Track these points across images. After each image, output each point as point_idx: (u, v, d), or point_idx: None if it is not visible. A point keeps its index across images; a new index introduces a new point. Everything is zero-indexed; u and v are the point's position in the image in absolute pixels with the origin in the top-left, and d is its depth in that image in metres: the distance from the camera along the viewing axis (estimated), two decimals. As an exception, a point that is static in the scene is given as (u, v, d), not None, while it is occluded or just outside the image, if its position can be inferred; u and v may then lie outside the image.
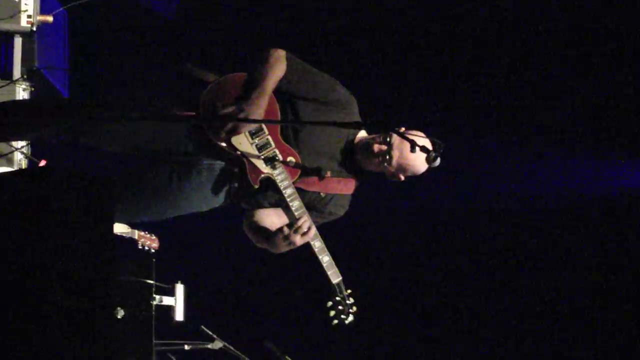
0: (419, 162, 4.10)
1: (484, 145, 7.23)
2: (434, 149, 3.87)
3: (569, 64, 7.16)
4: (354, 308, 4.06)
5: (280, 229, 4.02)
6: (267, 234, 4.14)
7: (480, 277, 7.45)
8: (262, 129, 4.07)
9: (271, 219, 4.19)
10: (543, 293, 7.44)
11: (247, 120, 3.95)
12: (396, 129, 3.94)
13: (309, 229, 3.97)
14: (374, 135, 4.17)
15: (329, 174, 4.10)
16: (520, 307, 7.49)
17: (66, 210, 2.85)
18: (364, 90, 4.29)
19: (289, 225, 3.99)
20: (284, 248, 4.07)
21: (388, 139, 4.09)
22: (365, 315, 4.11)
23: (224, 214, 4.65)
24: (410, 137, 3.83)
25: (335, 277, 4.05)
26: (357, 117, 4.15)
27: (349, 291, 4.05)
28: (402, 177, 4.18)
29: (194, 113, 4.07)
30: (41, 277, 2.74)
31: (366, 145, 4.16)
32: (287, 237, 3.98)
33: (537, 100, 7.21)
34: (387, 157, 4.10)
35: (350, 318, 4.05)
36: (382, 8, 7.26)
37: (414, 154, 3.90)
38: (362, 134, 4.24)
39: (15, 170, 5.20)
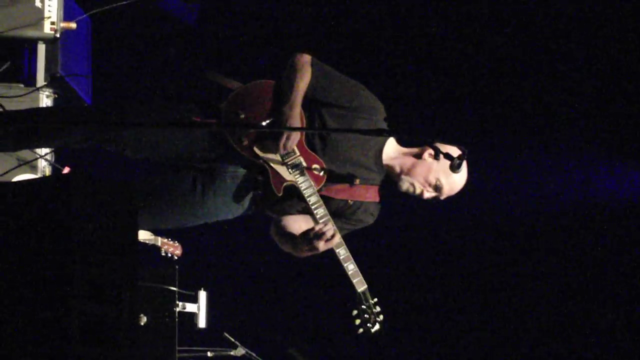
0: (462, 185, 4.17)
1: (499, 150, 7.21)
2: (459, 156, 3.88)
3: (584, 64, 7.12)
4: (381, 317, 4.02)
5: (304, 233, 4.00)
6: (292, 238, 4.13)
7: (506, 284, 7.41)
8: None
9: (299, 224, 4.16)
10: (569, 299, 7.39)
11: (287, 129, 3.96)
12: (429, 141, 3.93)
13: (333, 235, 3.95)
14: (419, 177, 4.14)
15: (357, 181, 4.10)
16: (550, 315, 7.44)
17: (90, 218, 2.85)
18: (385, 94, 4.27)
19: (313, 231, 3.97)
20: (306, 253, 4.04)
21: (436, 183, 4.10)
22: (392, 323, 4.08)
23: (247, 221, 4.63)
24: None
25: (360, 285, 4.01)
26: (383, 123, 4.13)
27: (375, 299, 4.02)
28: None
29: (214, 121, 4.07)
30: (65, 284, 2.74)
31: (412, 187, 4.14)
32: (310, 242, 3.96)
33: (553, 104, 7.17)
34: (437, 200, 4.16)
35: (377, 327, 4.01)
36: (403, 12, 7.25)
37: (458, 186, 4.11)
38: (392, 143, 4.21)
39: (39, 178, 5.21)
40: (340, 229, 4.06)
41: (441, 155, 3.87)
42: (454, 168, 3.90)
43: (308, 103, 4.10)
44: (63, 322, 2.71)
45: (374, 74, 6.80)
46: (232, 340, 6.94)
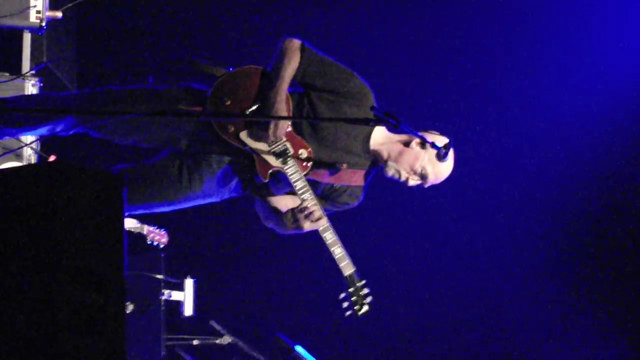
0: (447, 174, 4.18)
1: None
2: (445, 146, 3.92)
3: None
4: (369, 298, 4.06)
5: (291, 210, 4.03)
6: (277, 213, 4.15)
7: (493, 263, 7.42)
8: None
9: (285, 201, 4.20)
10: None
11: (274, 118, 3.96)
12: (415, 132, 3.94)
13: (319, 218, 3.98)
14: (405, 165, 4.15)
15: (344, 166, 4.11)
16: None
17: (76, 205, 2.84)
18: (375, 80, 4.27)
19: (299, 206, 4.00)
20: (290, 229, 4.08)
21: (422, 172, 4.12)
22: (380, 305, 4.11)
23: (233, 208, 4.65)
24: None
25: (347, 269, 4.05)
26: (369, 111, 4.12)
27: (363, 282, 4.05)
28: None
29: (200, 108, 4.07)
30: (51, 272, 2.74)
31: (398, 174, 4.15)
32: (296, 219, 3.99)
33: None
34: (422, 185, 4.18)
35: (365, 309, 4.05)
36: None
37: (442, 174, 4.12)
38: (381, 129, 4.20)
39: (25, 165, 5.20)
40: (326, 211, 4.10)
41: (427, 145, 3.91)
42: (440, 158, 3.96)
43: (297, 88, 4.10)
44: (50, 311, 2.71)
45: (366, 60, 6.80)
46: (219, 328, 6.95)
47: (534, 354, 7.48)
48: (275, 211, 4.17)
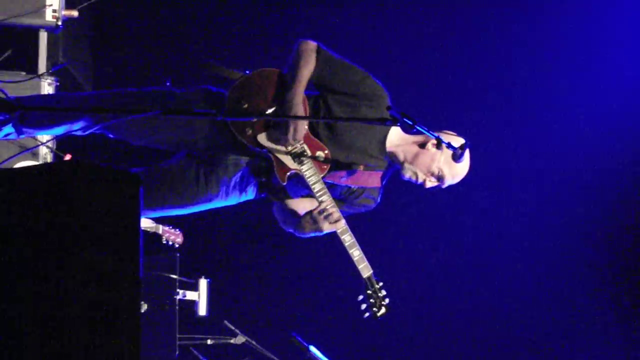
0: (464, 175, 4.18)
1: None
2: (461, 146, 3.91)
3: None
4: (386, 300, 4.07)
5: (309, 212, 4.03)
6: (295, 216, 4.16)
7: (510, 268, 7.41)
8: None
9: (303, 204, 4.20)
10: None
11: (292, 117, 3.96)
12: (432, 132, 3.92)
13: (338, 219, 3.98)
14: (422, 166, 4.15)
15: (361, 167, 4.11)
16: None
17: (92, 204, 2.85)
18: (391, 82, 4.27)
19: (318, 208, 4.00)
20: (310, 231, 4.09)
21: (439, 173, 4.12)
22: (395, 306, 4.11)
23: (248, 208, 4.64)
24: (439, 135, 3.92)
25: (366, 271, 4.06)
26: (385, 111, 4.12)
27: (380, 284, 4.06)
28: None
29: (214, 111, 4.06)
30: (67, 270, 2.74)
31: (415, 176, 4.17)
32: (315, 221, 4.00)
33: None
34: (439, 186, 4.19)
35: (382, 310, 4.07)
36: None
37: (459, 175, 4.13)
38: (396, 130, 4.20)
39: (41, 164, 5.21)
40: (343, 213, 4.10)
41: (443, 145, 3.90)
42: (456, 158, 3.94)
43: (313, 90, 4.10)
44: (65, 309, 2.71)
45: (382, 61, 6.79)
46: (232, 328, 6.95)
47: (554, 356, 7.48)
48: (294, 214, 4.17)
